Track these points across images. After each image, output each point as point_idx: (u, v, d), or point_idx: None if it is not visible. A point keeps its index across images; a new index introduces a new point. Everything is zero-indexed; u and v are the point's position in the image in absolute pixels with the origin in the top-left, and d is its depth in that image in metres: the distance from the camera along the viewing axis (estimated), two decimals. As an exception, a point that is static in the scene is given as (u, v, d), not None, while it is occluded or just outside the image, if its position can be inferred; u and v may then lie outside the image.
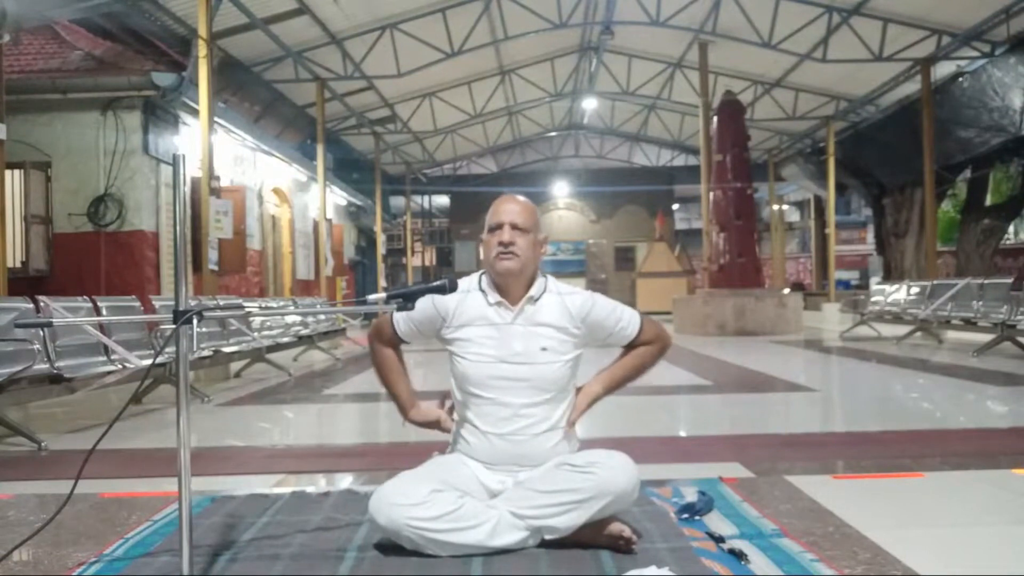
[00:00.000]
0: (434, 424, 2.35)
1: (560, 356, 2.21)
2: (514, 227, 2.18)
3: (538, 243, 2.24)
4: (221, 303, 5.82)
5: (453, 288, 2.31)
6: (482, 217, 2.40)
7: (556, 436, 2.21)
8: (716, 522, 2.34)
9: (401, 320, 2.31)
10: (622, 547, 2.07)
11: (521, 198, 2.27)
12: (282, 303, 9.25)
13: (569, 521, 2.05)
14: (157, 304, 6.19)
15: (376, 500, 2.07)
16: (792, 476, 2.96)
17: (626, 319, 2.31)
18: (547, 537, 2.08)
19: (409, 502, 2.02)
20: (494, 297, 2.23)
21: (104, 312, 5.25)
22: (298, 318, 8.63)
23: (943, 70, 13.11)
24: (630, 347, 2.35)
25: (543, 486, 2.08)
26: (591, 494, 2.03)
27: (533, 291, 2.23)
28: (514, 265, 2.17)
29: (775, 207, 22.73)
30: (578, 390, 2.31)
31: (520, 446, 2.17)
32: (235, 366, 7.40)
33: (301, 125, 15.32)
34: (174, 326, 1.94)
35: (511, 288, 2.22)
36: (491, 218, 2.23)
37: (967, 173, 16.08)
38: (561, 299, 2.25)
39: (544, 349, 2.19)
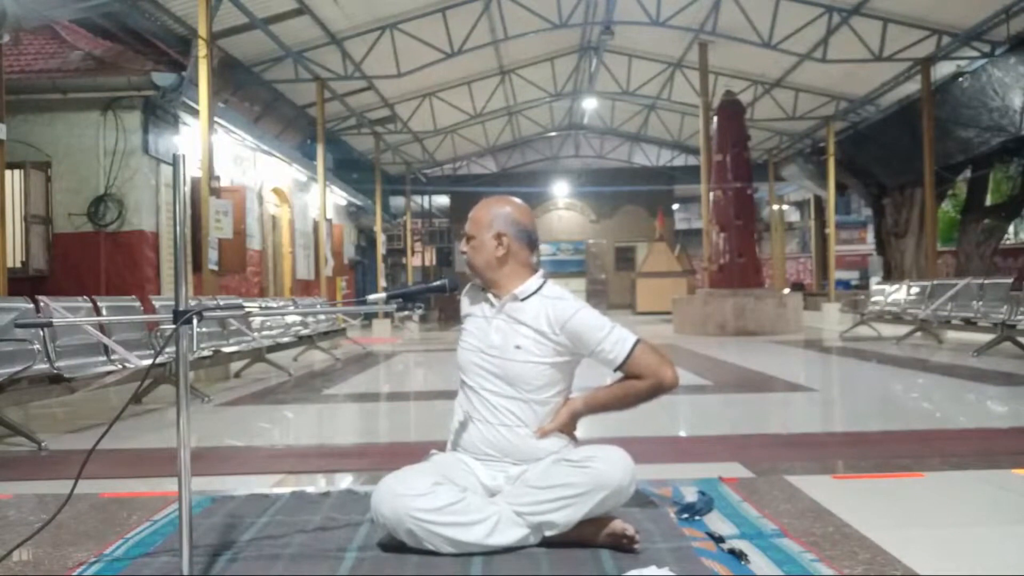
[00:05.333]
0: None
1: (534, 357, 2.22)
2: (467, 237, 2.35)
3: (490, 240, 2.29)
4: (221, 303, 5.82)
5: (453, 288, 2.34)
6: (482, 217, 2.41)
7: (535, 436, 2.22)
8: (716, 522, 2.34)
9: None
10: (625, 545, 2.07)
11: (483, 203, 2.38)
12: (282, 303, 9.26)
13: (567, 516, 2.06)
14: (157, 304, 6.18)
15: (379, 492, 2.09)
16: (792, 476, 2.96)
17: (610, 343, 2.19)
18: (547, 533, 2.09)
19: (412, 493, 2.04)
20: (488, 291, 2.35)
21: (104, 312, 5.25)
22: (298, 318, 8.63)
23: (943, 70, 13.10)
24: (627, 376, 2.26)
25: (540, 482, 2.09)
26: (587, 488, 2.04)
27: (518, 290, 2.27)
28: (468, 267, 2.36)
29: (775, 207, 22.73)
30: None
31: (501, 438, 2.21)
32: (235, 366, 7.40)
33: (301, 125, 15.32)
34: (174, 326, 1.94)
35: (496, 284, 2.31)
36: None
37: (967, 173, 16.08)
38: (546, 303, 2.25)
39: (518, 347, 2.22)
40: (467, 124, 19.32)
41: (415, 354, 10.45)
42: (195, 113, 8.89)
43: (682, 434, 4.51)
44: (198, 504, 2.59)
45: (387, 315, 14.00)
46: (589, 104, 19.32)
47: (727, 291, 12.10)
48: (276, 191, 14.28)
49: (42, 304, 4.51)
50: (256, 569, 2.03)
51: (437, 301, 18.80)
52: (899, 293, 10.39)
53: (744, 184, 12.53)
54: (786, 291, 14.67)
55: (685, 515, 2.38)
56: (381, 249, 19.02)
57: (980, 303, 8.30)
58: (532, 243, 2.35)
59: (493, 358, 2.24)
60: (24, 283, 7.94)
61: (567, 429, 2.27)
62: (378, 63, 12.91)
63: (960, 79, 13.06)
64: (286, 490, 2.87)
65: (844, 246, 26.32)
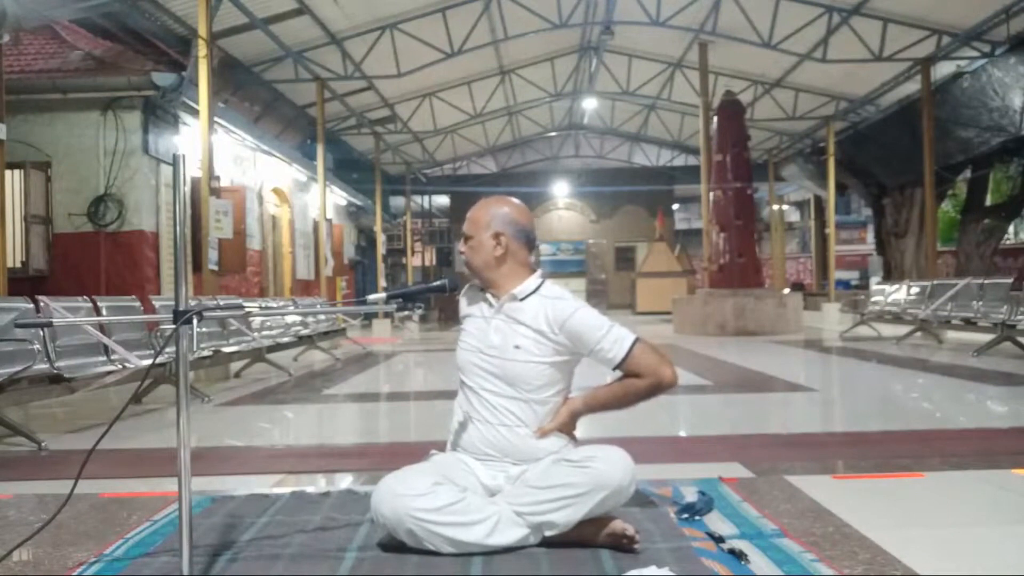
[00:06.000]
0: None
1: (534, 357, 2.22)
2: (465, 238, 2.35)
3: (488, 240, 2.29)
4: (221, 303, 5.82)
5: (453, 288, 2.34)
6: (482, 218, 2.41)
7: (535, 436, 2.22)
8: (716, 522, 2.34)
9: None
10: (625, 545, 2.07)
11: (481, 203, 2.37)
12: (282, 303, 9.25)
13: (567, 516, 2.06)
14: (157, 304, 6.18)
15: (379, 491, 2.09)
16: (792, 476, 2.96)
17: (609, 342, 2.19)
18: (547, 533, 2.09)
19: (413, 493, 2.04)
20: (487, 291, 2.35)
21: (104, 312, 5.25)
22: (298, 318, 8.63)
23: (943, 70, 13.10)
24: (626, 375, 2.26)
25: (541, 482, 2.09)
26: (588, 488, 2.04)
27: (517, 290, 2.27)
28: (466, 267, 2.36)
29: (775, 207, 22.73)
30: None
31: (501, 438, 2.21)
32: (235, 366, 7.40)
33: (301, 125, 15.32)
34: (174, 326, 1.94)
35: (495, 284, 2.31)
36: None
37: (967, 173, 16.08)
38: (545, 302, 2.25)
39: (517, 347, 2.22)
40: (467, 124, 19.32)
41: (415, 354, 10.44)
42: (195, 113, 8.89)
43: (682, 434, 4.52)
44: (198, 504, 2.59)
45: (387, 315, 14.00)
46: (589, 104, 19.32)
47: (727, 291, 12.10)
48: (276, 191, 14.28)
49: (42, 304, 4.51)
50: (256, 569, 2.03)
51: (437, 301, 18.79)
52: (899, 293, 10.39)
53: (744, 184, 12.52)
54: (786, 291, 14.67)
55: (685, 515, 2.38)
56: (381, 249, 19.03)
57: (980, 303, 8.30)
58: (530, 243, 2.34)
59: (492, 358, 2.24)
60: (24, 283, 7.94)
61: (567, 429, 2.27)
62: (378, 63, 12.91)
63: (960, 79, 13.06)
64: (286, 490, 2.87)
65: (844, 246, 26.32)
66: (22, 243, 8.64)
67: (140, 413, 5.00)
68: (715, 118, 13.06)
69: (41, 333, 4.33)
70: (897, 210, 17.17)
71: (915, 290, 10.00)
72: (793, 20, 12.20)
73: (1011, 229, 20.27)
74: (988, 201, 17.08)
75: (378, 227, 18.96)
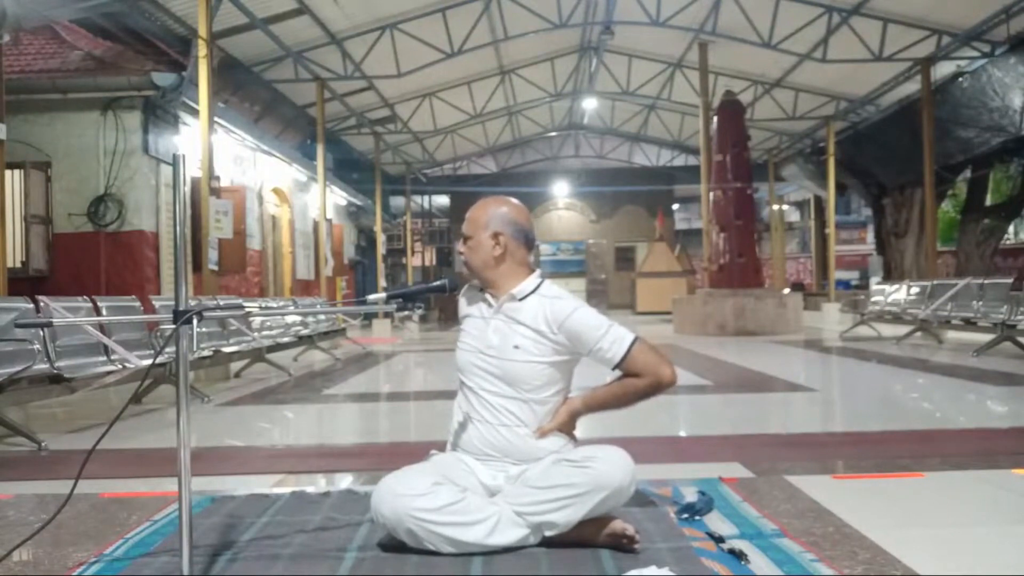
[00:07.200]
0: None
1: (533, 357, 2.21)
2: (464, 238, 2.35)
3: (487, 240, 2.29)
4: (221, 303, 5.82)
5: (453, 288, 2.34)
6: (482, 218, 2.41)
7: (534, 436, 2.22)
8: (716, 522, 2.34)
9: None
10: (625, 545, 2.07)
11: (480, 203, 2.37)
12: (282, 303, 9.25)
13: (567, 516, 2.05)
14: (157, 304, 6.18)
15: (379, 491, 2.09)
16: (792, 476, 2.96)
17: (608, 341, 2.18)
18: (547, 533, 2.09)
19: (413, 492, 2.04)
20: (486, 291, 2.35)
21: (104, 312, 5.25)
22: (298, 318, 8.63)
23: (943, 70, 13.11)
24: (625, 375, 2.26)
25: (541, 482, 2.09)
26: (588, 488, 2.04)
27: (516, 290, 2.27)
28: (465, 268, 2.37)
29: (775, 207, 22.73)
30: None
31: (501, 438, 2.21)
32: (235, 366, 7.39)
33: (301, 125, 15.32)
34: (174, 326, 1.94)
35: (494, 284, 2.31)
36: None
37: (967, 173, 16.09)
38: (544, 302, 2.25)
39: (516, 347, 2.22)
40: (467, 124, 19.32)
41: (415, 354, 10.44)
42: (195, 113, 8.89)
43: (682, 434, 4.51)
44: (198, 504, 2.59)
45: (387, 315, 14.00)
46: (589, 104, 19.32)
47: (727, 291, 12.10)
48: (276, 191, 14.28)
49: (42, 304, 4.51)
50: (256, 569, 2.03)
51: (437, 301, 18.81)
52: (899, 293, 10.39)
53: (744, 184, 12.53)
54: (786, 291, 14.66)
55: (685, 515, 2.38)
56: (381, 249, 19.03)
57: (980, 303, 8.30)
58: (529, 242, 2.34)
59: (492, 358, 2.24)
60: (24, 283, 7.94)
61: (566, 428, 2.27)
62: (378, 63, 12.92)
63: (960, 79, 13.06)
64: (286, 490, 2.87)
65: (844, 246, 26.33)
66: (22, 243, 8.64)
67: (140, 413, 5.00)
68: (715, 118, 13.07)
69: (41, 333, 4.33)
70: (897, 210, 17.17)
71: (915, 290, 10.00)
72: (793, 20, 12.20)
73: (1011, 229, 20.28)
74: (988, 201, 17.08)
75: (378, 227, 18.96)
